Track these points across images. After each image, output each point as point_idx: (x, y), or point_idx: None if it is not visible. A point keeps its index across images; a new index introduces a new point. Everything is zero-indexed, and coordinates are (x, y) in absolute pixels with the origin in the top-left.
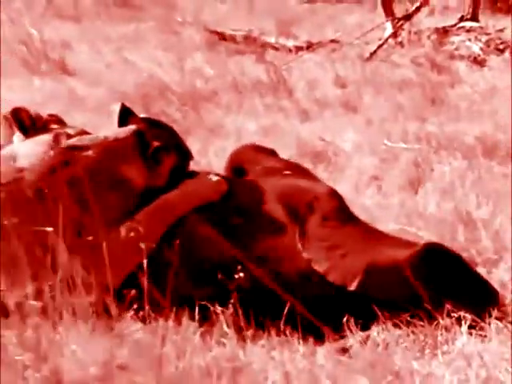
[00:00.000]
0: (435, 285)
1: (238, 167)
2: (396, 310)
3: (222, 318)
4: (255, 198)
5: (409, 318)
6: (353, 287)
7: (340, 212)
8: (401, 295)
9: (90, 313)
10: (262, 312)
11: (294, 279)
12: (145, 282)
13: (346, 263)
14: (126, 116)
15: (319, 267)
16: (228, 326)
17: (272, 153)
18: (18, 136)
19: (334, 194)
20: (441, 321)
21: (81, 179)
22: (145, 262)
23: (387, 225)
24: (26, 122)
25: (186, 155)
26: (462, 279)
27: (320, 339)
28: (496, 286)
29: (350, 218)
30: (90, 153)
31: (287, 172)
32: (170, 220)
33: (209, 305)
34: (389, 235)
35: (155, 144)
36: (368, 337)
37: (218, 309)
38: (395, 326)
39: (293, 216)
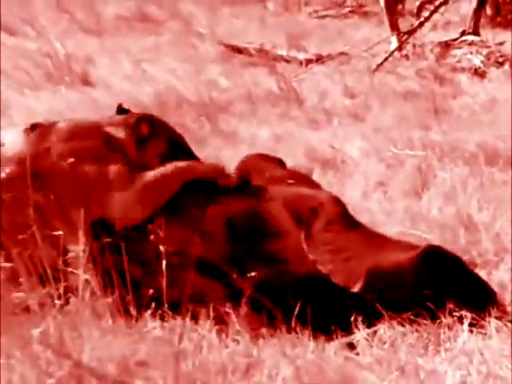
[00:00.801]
0: (436, 286)
1: (244, 175)
2: (400, 309)
3: (235, 317)
4: (263, 203)
5: (413, 317)
6: (356, 289)
7: (343, 217)
8: (403, 296)
9: (110, 312)
10: (273, 310)
11: (302, 279)
12: (163, 282)
13: (349, 266)
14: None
15: (323, 269)
16: (241, 324)
17: (279, 162)
18: None
19: (337, 201)
20: (443, 319)
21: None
22: (164, 263)
23: (393, 228)
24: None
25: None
26: (462, 280)
27: (329, 336)
28: (496, 286)
29: (353, 223)
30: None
31: (291, 181)
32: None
33: (221, 305)
34: (390, 239)
35: (144, 128)
36: (375, 334)
37: (231, 310)
38: (400, 324)
39: (298, 221)
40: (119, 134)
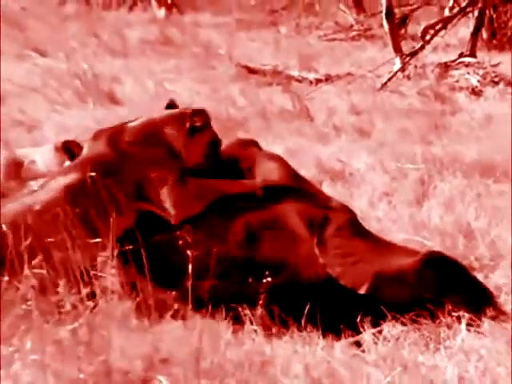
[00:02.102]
0: (437, 287)
1: (246, 168)
2: (402, 310)
3: (250, 317)
4: (280, 209)
5: (414, 317)
6: (362, 291)
7: (352, 224)
8: (405, 297)
9: (136, 313)
10: (285, 311)
11: (312, 283)
12: (189, 284)
13: (356, 269)
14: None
15: (332, 271)
16: (256, 324)
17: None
18: (68, 162)
19: (347, 209)
20: (443, 319)
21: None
22: (190, 267)
23: (397, 235)
24: (75, 151)
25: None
26: (461, 282)
27: (337, 335)
28: (492, 288)
29: (361, 229)
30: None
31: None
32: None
33: (238, 307)
34: (395, 245)
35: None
36: (380, 333)
37: (247, 311)
38: (403, 324)
39: (310, 227)
40: (173, 131)
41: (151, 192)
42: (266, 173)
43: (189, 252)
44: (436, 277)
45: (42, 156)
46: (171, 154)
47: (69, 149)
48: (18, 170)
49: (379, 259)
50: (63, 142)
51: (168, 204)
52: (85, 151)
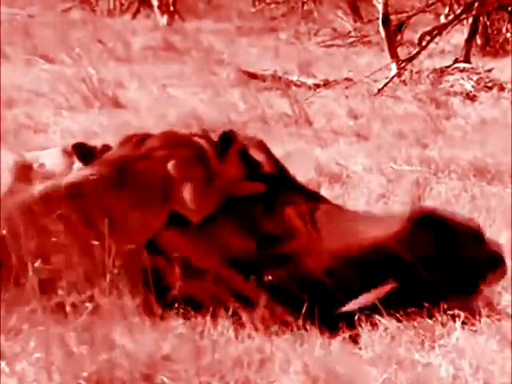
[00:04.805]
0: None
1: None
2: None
3: (250, 315)
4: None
5: (410, 316)
6: (332, 267)
7: (337, 207)
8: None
9: (138, 312)
10: (284, 310)
11: (312, 280)
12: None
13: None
14: None
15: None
16: (256, 322)
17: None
18: (78, 165)
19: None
20: (438, 318)
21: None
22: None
23: None
24: (86, 154)
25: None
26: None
27: (335, 332)
28: (487, 288)
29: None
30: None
31: None
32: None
33: (238, 305)
34: (366, 216)
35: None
36: (376, 331)
37: (246, 309)
38: (399, 322)
39: (303, 218)
40: (204, 143)
41: (175, 191)
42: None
43: (175, 253)
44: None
45: (50, 159)
46: (199, 156)
47: (80, 151)
48: (27, 173)
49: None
50: (74, 144)
51: (191, 203)
52: (110, 153)
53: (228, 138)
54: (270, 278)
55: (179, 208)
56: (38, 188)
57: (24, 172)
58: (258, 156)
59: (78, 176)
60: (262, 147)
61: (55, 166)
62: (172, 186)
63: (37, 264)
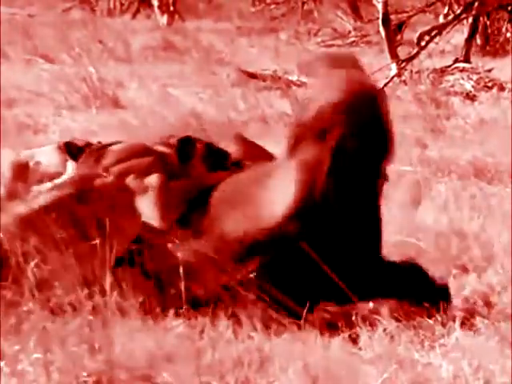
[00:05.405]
0: None
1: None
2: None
3: (250, 315)
4: None
5: (410, 315)
6: None
7: None
8: None
9: (138, 311)
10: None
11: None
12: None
13: None
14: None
15: None
16: (255, 322)
17: None
18: (70, 162)
19: None
20: (438, 317)
21: None
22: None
23: (392, 236)
24: (76, 152)
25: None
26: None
27: (335, 331)
28: (485, 288)
29: None
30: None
31: None
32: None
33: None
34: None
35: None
36: (376, 331)
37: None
38: (399, 321)
39: None
40: (164, 149)
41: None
42: None
43: (179, 254)
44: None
45: (45, 157)
46: (158, 163)
47: (70, 149)
48: (24, 172)
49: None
50: (64, 143)
51: (153, 212)
52: (70, 173)
53: (188, 141)
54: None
55: (145, 218)
56: (18, 210)
57: (20, 171)
58: (230, 147)
59: (49, 198)
60: (237, 139)
61: (50, 164)
62: (134, 199)
63: (35, 262)
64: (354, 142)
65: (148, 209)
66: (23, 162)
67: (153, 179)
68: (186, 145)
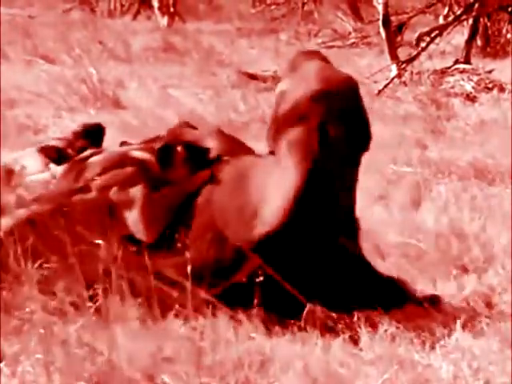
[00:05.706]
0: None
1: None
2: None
3: (250, 316)
4: None
5: (410, 316)
6: None
7: None
8: None
9: (138, 312)
10: (284, 311)
11: None
12: (189, 285)
13: None
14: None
15: None
16: (256, 323)
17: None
18: (53, 165)
19: None
20: (438, 318)
21: None
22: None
23: (392, 237)
24: (53, 156)
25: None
26: None
27: (335, 333)
28: (485, 289)
29: None
30: None
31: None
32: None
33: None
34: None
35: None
36: (376, 332)
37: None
38: (399, 322)
39: None
40: (145, 156)
41: (121, 217)
42: None
43: (187, 254)
44: None
45: (29, 160)
46: (140, 171)
47: (48, 155)
48: (9, 178)
49: None
50: (40, 147)
51: (139, 225)
52: (51, 189)
53: (167, 148)
54: (261, 278)
55: (131, 231)
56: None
57: (7, 177)
58: (211, 143)
59: (26, 212)
60: (217, 134)
61: (34, 168)
62: (117, 213)
63: (37, 264)
64: (336, 129)
65: (133, 222)
66: (8, 168)
67: (137, 191)
68: (165, 152)
